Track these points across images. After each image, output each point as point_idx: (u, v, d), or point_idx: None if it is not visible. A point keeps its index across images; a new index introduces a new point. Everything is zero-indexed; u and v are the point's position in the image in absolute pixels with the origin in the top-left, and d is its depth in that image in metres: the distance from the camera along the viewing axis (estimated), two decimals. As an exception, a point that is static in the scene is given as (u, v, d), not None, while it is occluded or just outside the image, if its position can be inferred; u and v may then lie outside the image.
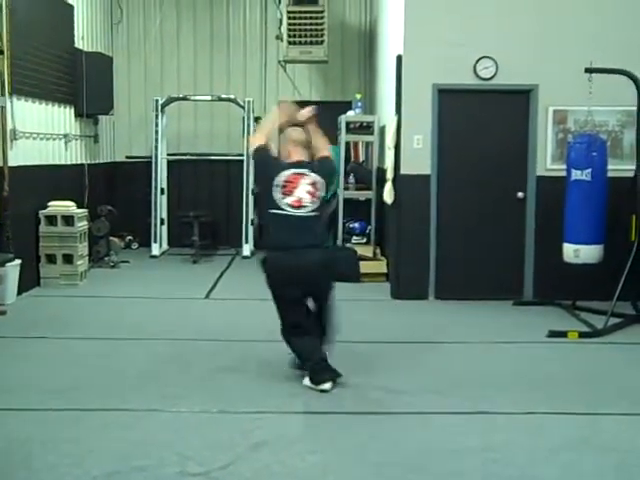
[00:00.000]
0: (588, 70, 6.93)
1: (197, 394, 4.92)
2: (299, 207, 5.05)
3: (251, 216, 10.54)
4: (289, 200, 5.05)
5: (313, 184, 5.11)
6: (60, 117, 9.10)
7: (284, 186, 5.07)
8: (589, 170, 6.87)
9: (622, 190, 7.03)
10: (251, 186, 10.46)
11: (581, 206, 6.93)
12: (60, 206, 8.43)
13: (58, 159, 9.03)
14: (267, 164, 5.21)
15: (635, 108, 7.05)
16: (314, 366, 5.03)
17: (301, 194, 5.07)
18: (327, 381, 4.98)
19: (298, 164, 5.17)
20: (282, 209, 5.05)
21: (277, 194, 5.06)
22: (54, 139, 8.90)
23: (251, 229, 10.57)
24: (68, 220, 8.37)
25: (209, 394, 4.92)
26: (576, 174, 6.94)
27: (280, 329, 5.24)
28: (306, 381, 5.05)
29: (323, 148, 5.33)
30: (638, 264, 6.85)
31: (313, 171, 5.16)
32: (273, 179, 5.08)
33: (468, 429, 4.39)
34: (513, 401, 4.85)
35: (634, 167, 7.09)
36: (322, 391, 4.93)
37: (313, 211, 5.10)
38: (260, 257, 5.25)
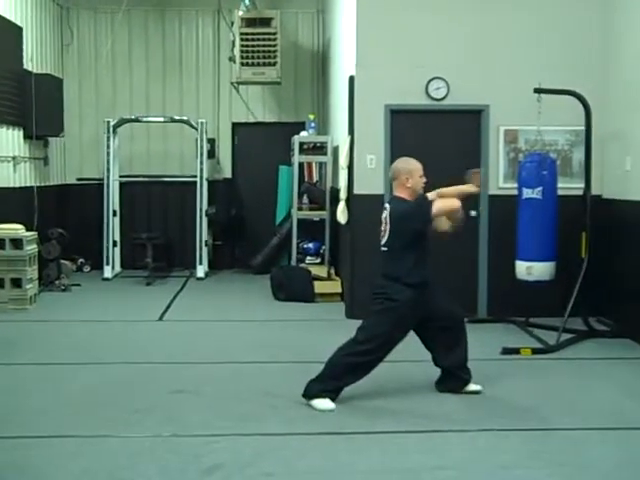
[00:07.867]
0: (537, 90, 7.03)
1: (149, 418, 4.82)
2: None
3: (205, 237, 10.47)
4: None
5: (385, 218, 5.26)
6: (8, 139, 8.95)
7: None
8: (540, 188, 6.97)
9: (572, 208, 7.14)
10: (204, 207, 10.42)
11: (533, 224, 7.01)
12: (8, 229, 8.25)
13: (6, 182, 8.87)
14: None
15: (583, 128, 7.19)
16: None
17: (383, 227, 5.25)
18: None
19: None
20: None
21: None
22: (2, 161, 8.74)
23: (205, 250, 10.50)
24: (17, 243, 8.19)
25: (161, 418, 4.83)
26: (527, 192, 7.03)
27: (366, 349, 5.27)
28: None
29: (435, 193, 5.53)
30: (589, 280, 6.95)
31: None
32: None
33: (423, 448, 4.36)
34: (467, 419, 4.86)
35: (583, 185, 7.21)
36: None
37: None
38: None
